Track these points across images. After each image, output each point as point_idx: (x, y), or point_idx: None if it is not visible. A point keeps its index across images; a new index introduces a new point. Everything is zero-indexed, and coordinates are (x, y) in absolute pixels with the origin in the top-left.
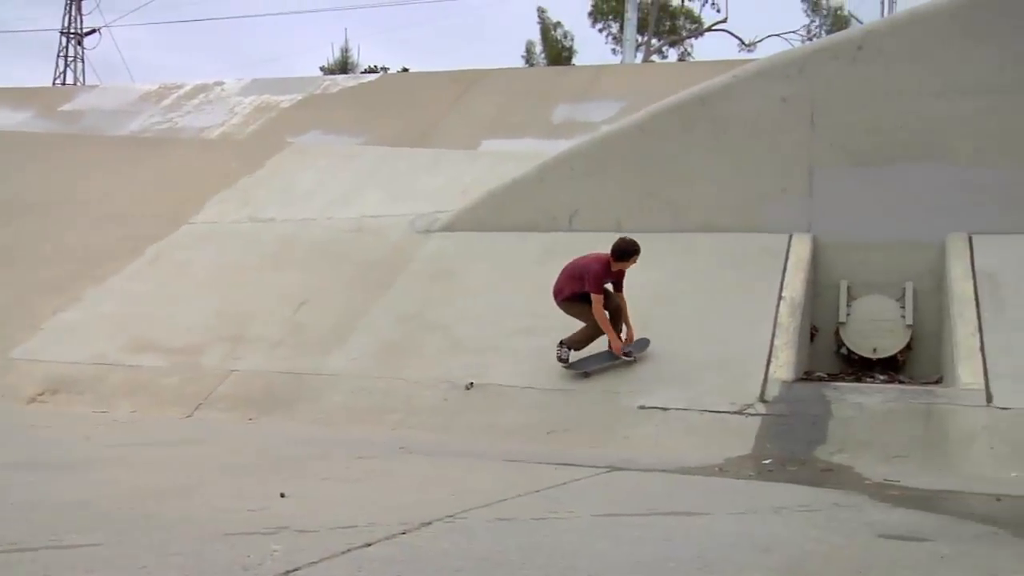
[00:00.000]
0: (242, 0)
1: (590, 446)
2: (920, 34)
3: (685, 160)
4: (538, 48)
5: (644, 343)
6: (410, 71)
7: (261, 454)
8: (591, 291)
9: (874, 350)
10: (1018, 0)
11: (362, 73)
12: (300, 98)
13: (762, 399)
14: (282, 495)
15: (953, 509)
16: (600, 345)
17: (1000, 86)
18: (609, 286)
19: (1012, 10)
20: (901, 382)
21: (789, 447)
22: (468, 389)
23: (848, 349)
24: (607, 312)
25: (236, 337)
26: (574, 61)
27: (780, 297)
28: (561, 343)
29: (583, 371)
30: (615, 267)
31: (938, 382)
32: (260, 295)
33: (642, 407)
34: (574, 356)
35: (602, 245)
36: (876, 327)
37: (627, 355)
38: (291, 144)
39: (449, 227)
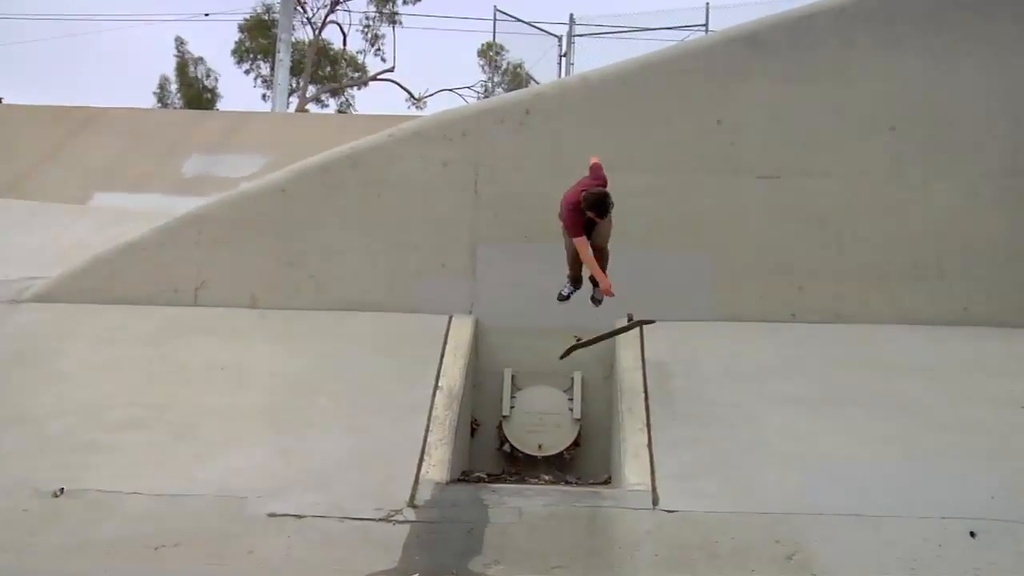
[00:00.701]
0: None
1: (207, 563)
2: (589, 101)
3: (332, 228)
4: (174, 86)
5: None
6: (2, 101)
7: None
8: (570, 235)
9: (540, 447)
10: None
11: None
12: None
13: (412, 503)
14: None
15: None
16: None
17: (670, 164)
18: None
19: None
20: (568, 483)
21: (440, 559)
22: (57, 496)
23: (512, 446)
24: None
25: None
26: (217, 105)
27: (436, 387)
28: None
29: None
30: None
31: (607, 482)
32: None
33: (272, 514)
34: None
35: (234, 322)
36: (542, 421)
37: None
38: None
39: (43, 297)
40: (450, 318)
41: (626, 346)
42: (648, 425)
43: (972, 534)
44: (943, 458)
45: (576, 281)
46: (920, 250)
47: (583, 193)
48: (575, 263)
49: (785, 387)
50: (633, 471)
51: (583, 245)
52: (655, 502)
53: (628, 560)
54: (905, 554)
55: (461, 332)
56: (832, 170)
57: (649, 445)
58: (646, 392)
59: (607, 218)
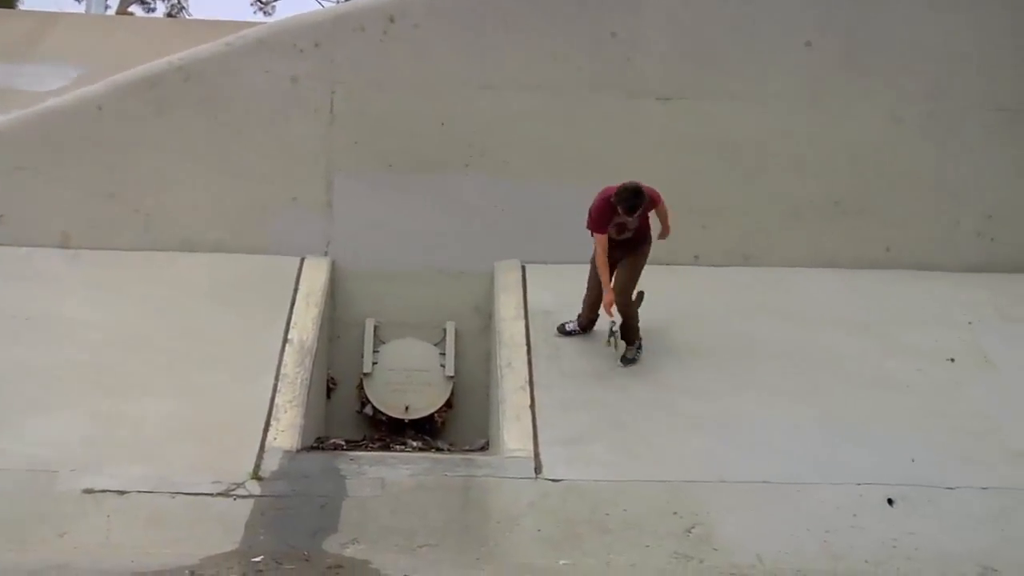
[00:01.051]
0: None
1: (7, 549)
2: (464, 8)
3: (162, 154)
4: None
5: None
6: None
7: None
8: (592, 228)
9: (407, 409)
10: None
11: None
12: None
13: (256, 475)
14: None
15: None
16: None
17: (557, 82)
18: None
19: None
20: (439, 449)
21: (289, 538)
22: None
23: (374, 408)
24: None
25: None
26: (19, 4)
27: (286, 340)
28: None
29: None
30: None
31: (484, 449)
32: None
33: (88, 490)
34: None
35: (41, 264)
36: (410, 379)
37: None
38: None
39: None
40: (302, 260)
41: (507, 291)
42: (531, 383)
43: (890, 501)
44: (861, 419)
45: (588, 324)
46: (838, 184)
47: (620, 186)
48: (594, 302)
49: (687, 339)
50: (513, 436)
51: (602, 243)
52: (538, 470)
53: (507, 536)
54: (816, 525)
55: (315, 276)
56: (740, 92)
57: (532, 406)
58: (529, 345)
59: (643, 251)
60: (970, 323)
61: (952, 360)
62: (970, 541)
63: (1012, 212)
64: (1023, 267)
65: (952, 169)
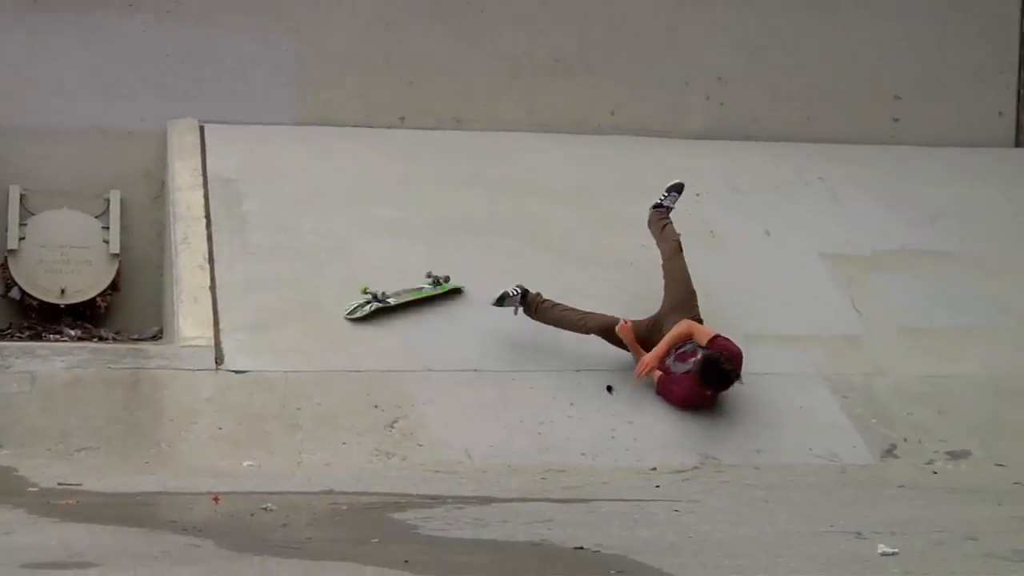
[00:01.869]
0: None
1: None
2: None
3: None
4: None
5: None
6: None
7: None
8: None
9: (63, 292)
10: None
11: None
12: None
13: None
14: None
15: (150, 517)
16: None
17: None
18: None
19: None
20: (102, 339)
21: None
22: None
23: (22, 291)
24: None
25: None
26: None
27: None
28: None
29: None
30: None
31: (156, 337)
32: None
33: None
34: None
35: None
36: (66, 258)
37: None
38: None
39: None
40: None
41: (182, 156)
42: (211, 261)
43: (609, 389)
44: (581, 297)
45: (550, 322)
46: (561, 41)
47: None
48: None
49: (390, 212)
50: (190, 322)
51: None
52: (219, 361)
53: (182, 436)
54: (531, 416)
55: None
56: None
57: (212, 287)
58: (209, 218)
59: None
60: (698, 195)
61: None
62: (690, 429)
63: (742, 77)
64: (753, 134)
65: (683, 30)
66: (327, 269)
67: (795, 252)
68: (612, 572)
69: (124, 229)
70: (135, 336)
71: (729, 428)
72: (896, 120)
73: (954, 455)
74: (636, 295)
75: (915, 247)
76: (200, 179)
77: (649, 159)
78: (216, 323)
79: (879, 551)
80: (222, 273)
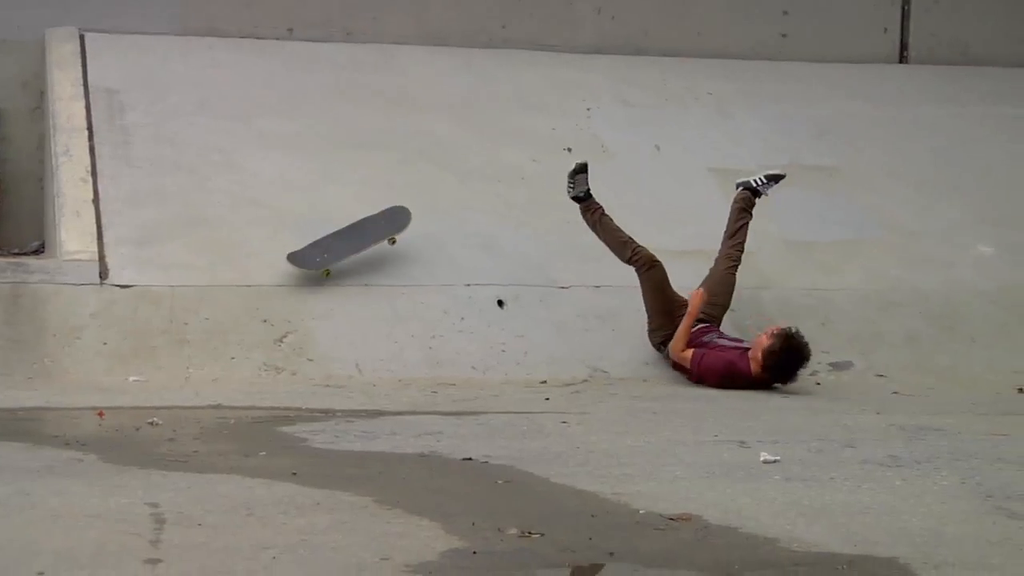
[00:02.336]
0: None
1: None
2: None
3: None
4: None
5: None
6: None
7: None
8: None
9: None
10: None
11: None
12: None
13: None
14: None
15: (33, 432)
16: None
17: None
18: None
19: None
20: None
21: None
22: None
23: None
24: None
25: None
26: None
27: None
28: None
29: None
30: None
31: (37, 252)
32: None
33: None
34: None
35: None
36: None
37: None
38: None
39: None
40: None
41: (61, 66)
42: (94, 173)
43: (500, 303)
44: (472, 212)
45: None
46: None
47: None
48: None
49: (279, 125)
50: (73, 235)
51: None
52: (103, 275)
53: (66, 351)
54: (422, 330)
55: None
56: None
57: (95, 200)
58: (91, 129)
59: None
60: (588, 110)
61: (569, 150)
62: (581, 342)
63: None
64: (644, 48)
65: None
66: (213, 183)
67: (684, 167)
68: (499, 481)
69: (2, 140)
70: (15, 250)
71: (618, 342)
72: (784, 36)
73: (836, 366)
74: (524, 209)
75: (801, 162)
76: (81, 90)
77: (539, 73)
78: (100, 237)
79: (761, 459)
80: (105, 186)
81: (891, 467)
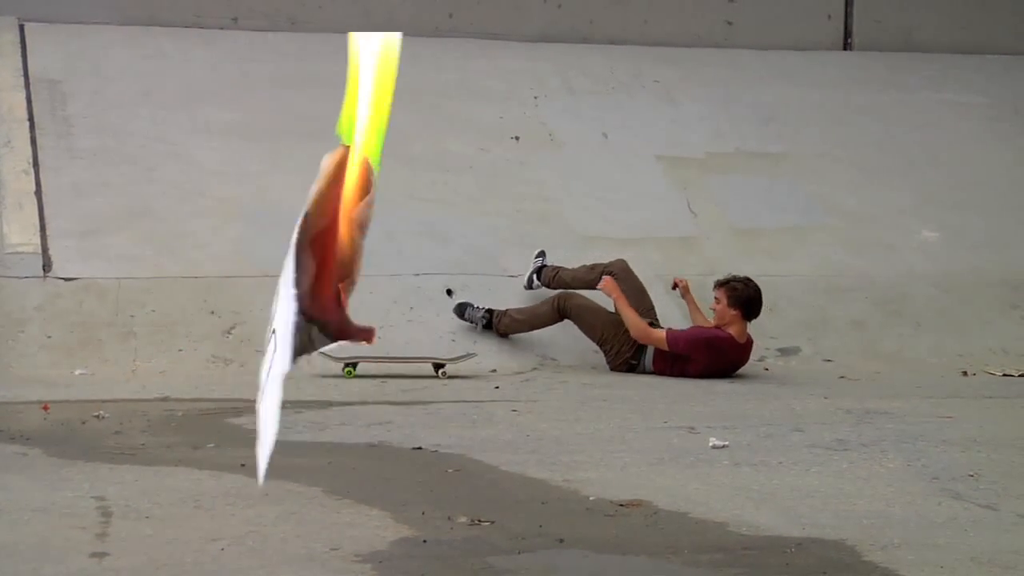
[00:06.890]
0: None
1: None
2: None
3: None
4: None
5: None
6: None
7: None
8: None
9: None
10: None
11: None
12: None
13: None
14: None
15: None
16: None
17: None
18: None
19: None
20: None
21: None
22: None
23: None
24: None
25: None
26: None
27: None
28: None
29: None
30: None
31: None
32: None
33: None
34: None
35: None
36: None
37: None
38: None
39: None
40: None
41: (1, 56)
42: (36, 165)
43: (449, 292)
44: (419, 202)
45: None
46: None
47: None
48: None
49: (223, 115)
50: (15, 228)
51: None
52: (47, 268)
53: (10, 345)
54: (371, 319)
55: None
56: None
57: (38, 192)
58: (32, 120)
59: None
60: (536, 98)
61: (517, 138)
62: (530, 333)
63: None
64: (591, 36)
65: None
66: (158, 174)
67: (632, 154)
68: (449, 470)
69: None
70: None
71: (568, 330)
72: (729, 23)
73: (784, 352)
74: (472, 198)
75: (748, 149)
76: (22, 80)
77: (486, 61)
78: (43, 229)
79: (710, 444)
80: (48, 178)
81: (838, 451)
